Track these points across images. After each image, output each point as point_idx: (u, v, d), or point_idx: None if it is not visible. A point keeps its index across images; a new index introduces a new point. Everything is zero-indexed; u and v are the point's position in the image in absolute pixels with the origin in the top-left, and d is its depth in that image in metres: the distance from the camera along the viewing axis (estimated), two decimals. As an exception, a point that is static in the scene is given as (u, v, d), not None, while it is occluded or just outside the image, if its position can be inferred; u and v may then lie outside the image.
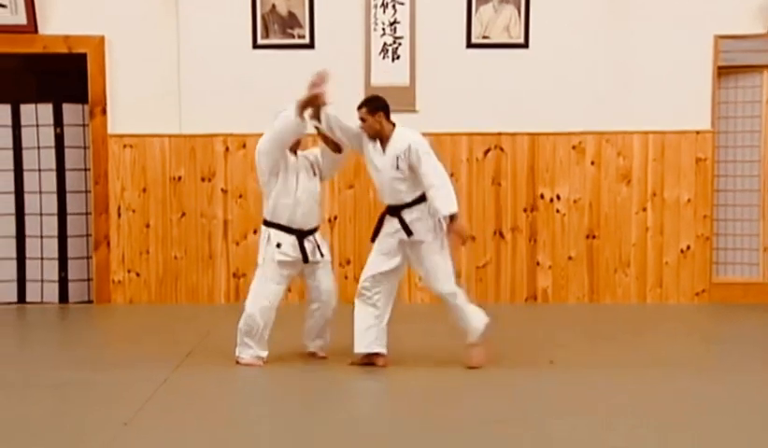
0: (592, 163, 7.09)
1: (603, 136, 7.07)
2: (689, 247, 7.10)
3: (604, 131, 7.05)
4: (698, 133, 7.04)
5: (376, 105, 5.07)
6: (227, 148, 7.08)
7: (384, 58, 6.97)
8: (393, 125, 5.07)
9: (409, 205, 4.96)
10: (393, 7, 6.95)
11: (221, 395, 4.66)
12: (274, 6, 6.96)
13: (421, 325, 6.03)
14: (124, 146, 7.04)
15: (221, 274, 7.10)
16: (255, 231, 7.02)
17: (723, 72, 7.08)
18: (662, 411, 4.36)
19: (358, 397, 4.71)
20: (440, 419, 4.21)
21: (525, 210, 7.11)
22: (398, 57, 6.98)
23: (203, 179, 7.06)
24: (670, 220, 7.09)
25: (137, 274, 7.11)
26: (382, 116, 5.06)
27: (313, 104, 5.06)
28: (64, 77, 7.23)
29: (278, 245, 5.03)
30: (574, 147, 7.08)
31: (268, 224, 5.11)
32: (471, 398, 4.56)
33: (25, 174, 7.23)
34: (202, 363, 5.13)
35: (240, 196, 7.07)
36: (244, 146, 7.05)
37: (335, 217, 7.09)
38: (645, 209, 7.10)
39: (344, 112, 6.92)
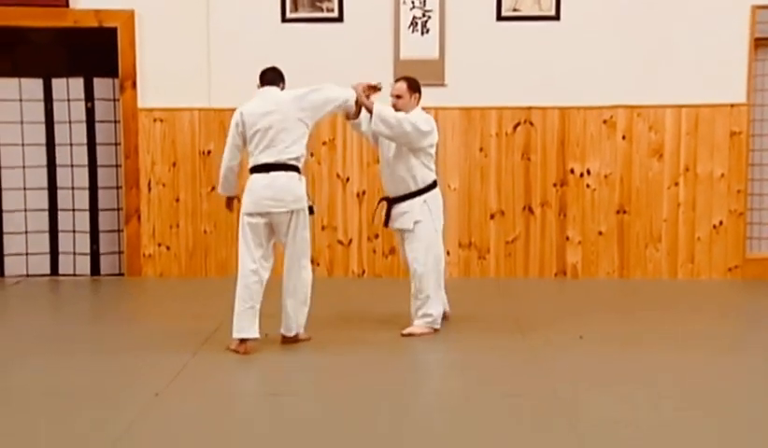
0: (623, 138, 7.00)
1: (634, 110, 6.97)
2: (721, 223, 7.01)
3: (635, 105, 6.95)
4: (732, 106, 6.92)
5: (416, 87, 5.17)
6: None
7: (413, 31, 6.92)
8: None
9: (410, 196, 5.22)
10: (423, -21, 6.89)
11: (251, 367, 4.69)
12: (303, -21, 6.93)
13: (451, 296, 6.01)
14: (154, 119, 7.07)
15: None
16: (284, 206, 7.04)
17: (760, 44, 6.94)
18: (692, 385, 4.33)
19: (402, 368, 4.72)
20: (466, 392, 4.21)
21: (555, 185, 7.05)
22: (427, 30, 6.93)
23: (232, 153, 7.07)
24: (703, 195, 7.00)
25: (168, 248, 7.17)
26: (417, 98, 5.11)
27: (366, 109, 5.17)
28: (94, 51, 7.26)
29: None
30: (605, 122, 7.00)
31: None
32: (497, 371, 4.55)
33: (57, 148, 7.30)
34: (231, 336, 5.16)
35: (269, 170, 7.07)
36: (273, 120, 7.03)
37: (364, 192, 7.08)
38: (677, 184, 7.01)
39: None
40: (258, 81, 5.08)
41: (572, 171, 7.04)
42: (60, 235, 7.37)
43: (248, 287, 4.78)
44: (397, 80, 5.27)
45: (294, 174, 4.83)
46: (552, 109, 6.99)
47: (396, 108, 5.11)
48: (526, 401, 4.07)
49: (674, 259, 7.05)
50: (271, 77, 5.04)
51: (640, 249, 7.05)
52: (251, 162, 4.89)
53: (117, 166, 7.29)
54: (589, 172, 7.03)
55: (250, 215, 4.81)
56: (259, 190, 4.80)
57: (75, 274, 7.35)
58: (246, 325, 4.78)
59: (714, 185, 6.99)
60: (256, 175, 4.84)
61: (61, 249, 7.38)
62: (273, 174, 4.79)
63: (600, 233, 7.05)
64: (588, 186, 7.04)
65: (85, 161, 7.29)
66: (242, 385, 4.47)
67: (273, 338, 5.03)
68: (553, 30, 6.92)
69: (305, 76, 6.96)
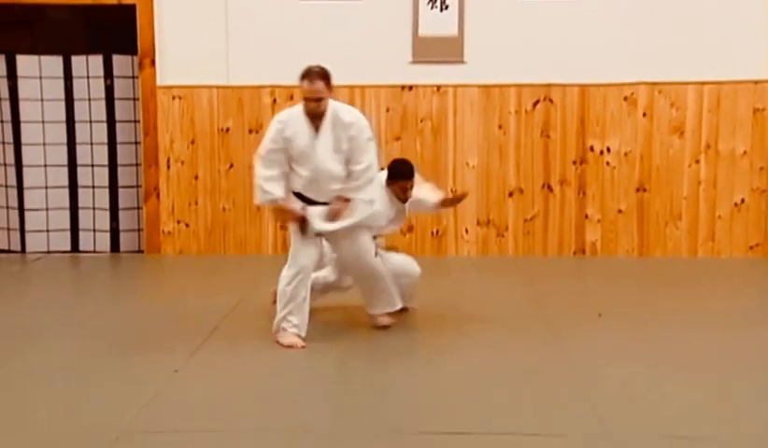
0: (644, 115, 6.94)
1: (655, 87, 6.90)
2: (743, 200, 6.94)
3: (656, 81, 6.88)
4: (756, 82, 6.83)
5: (330, 78, 4.65)
6: (274, 100, 7.07)
7: (432, 8, 6.86)
8: None
9: None
10: (442, -45, 6.83)
11: (269, 344, 4.71)
12: (321, -45, 6.89)
13: (467, 275, 6.02)
14: (173, 97, 7.08)
15: (269, 226, 7.15)
16: (302, 183, 7.05)
17: (783, 20, 6.84)
18: (713, 362, 4.31)
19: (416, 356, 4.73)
20: (485, 369, 4.21)
21: (574, 162, 7.01)
22: (446, 7, 6.87)
23: (250, 131, 7.08)
24: (724, 173, 6.93)
25: (186, 225, 7.20)
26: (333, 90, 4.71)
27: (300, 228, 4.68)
28: (113, 28, 7.27)
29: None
30: (625, 99, 6.93)
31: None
32: (516, 348, 4.55)
33: (77, 125, 7.33)
34: (251, 313, 5.19)
35: (287, 148, 7.08)
36: (291, 97, 7.03)
37: (382, 169, 7.05)
38: (698, 161, 6.95)
39: (390, 61, 6.91)
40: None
41: (591, 148, 6.99)
42: (80, 212, 7.42)
43: None
44: (307, 76, 4.54)
45: None
46: (572, 86, 6.93)
47: (318, 110, 4.56)
48: (544, 378, 4.08)
49: (694, 237, 7.00)
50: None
51: (660, 227, 7.01)
52: None
53: (136, 143, 7.32)
54: (609, 149, 6.98)
55: None
56: None
57: (95, 251, 7.40)
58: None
59: (736, 162, 6.92)
60: None
61: (81, 226, 7.43)
62: None
63: (619, 211, 7.01)
64: (607, 163, 6.99)
65: (104, 138, 7.32)
66: (262, 362, 4.49)
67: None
68: (573, 6, 6.85)
69: (323, 53, 6.94)
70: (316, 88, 4.52)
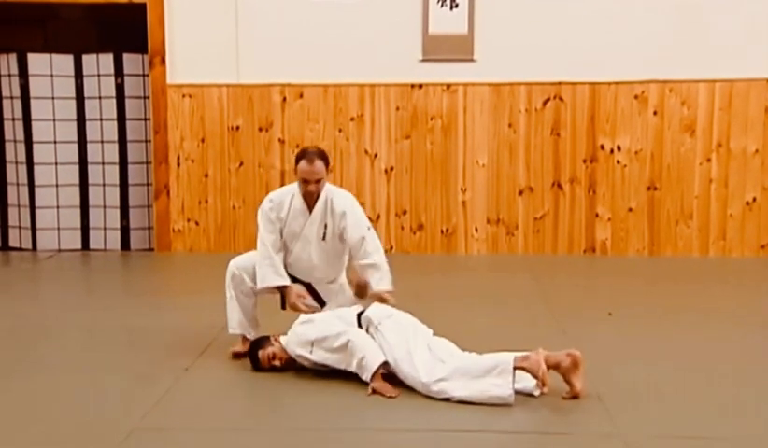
0: (655, 113, 6.91)
1: (666, 85, 6.87)
2: (755, 199, 6.91)
3: (667, 79, 6.85)
4: None
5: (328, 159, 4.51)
6: (284, 98, 7.08)
7: (442, 6, 6.85)
8: None
9: None
10: (452, -48, 6.82)
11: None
12: (331, -47, 6.89)
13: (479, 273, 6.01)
14: (183, 95, 7.09)
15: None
16: (312, 181, 7.05)
17: (796, 17, 6.80)
18: (723, 361, 4.29)
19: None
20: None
21: (585, 161, 6.98)
22: (456, 5, 6.86)
23: (260, 129, 7.09)
24: (735, 172, 6.90)
25: (197, 223, 7.21)
26: None
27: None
28: (124, 26, 7.29)
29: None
30: (636, 97, 6.91)
31: None
32: (526, 347, 4.53)
33: (87, 123, 7.35)
34: (260, 311, 5.18)
35: (297, 146, 7.08)
36: (301, 96, 7.05)
37: (392, 168, 7.07)
38: (709, 160, 6.91)
39: (400, 60, 6.91)
40: None
41: (602, 147, 6.97)
42: (90, 210, 7.44)
43: None
44: (304, 156, 4.33)
45: None
46: (582, 85, 6.91)
47: (315, 193, 4.35)
48: (555, 378, 4.06)
49: (705, 236, 6.97)
50: None
51: (671, 226, 6.98)
52: None
53: (146, 142, 7.34)
54: (619, 148, 6.95)
55: None
56: None
57: (105, 249, 7.42)
58: None
59: (747, 161, 6.89)
60: None
61: (91, 224, 7.45)
62: None
63: (630, 210, 6.99)
64: (618, 162, 6.97)
65: (115, 136, 7.34)
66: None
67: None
68: (583, 4, 6.83)
69: (333, 51, 6.98)
70: (315, 169, 4.29)
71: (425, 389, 3.78)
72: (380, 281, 4.28)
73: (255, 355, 4.17)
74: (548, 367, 3.71)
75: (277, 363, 4.13)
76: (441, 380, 3.75)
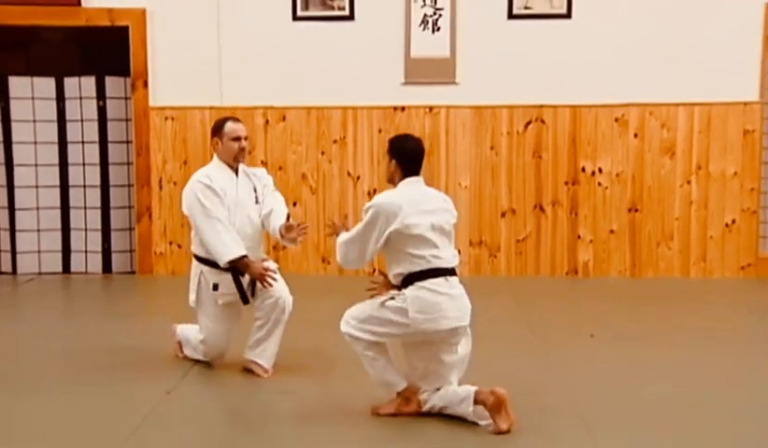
0: (635, 136, 6.97)
1: (646, 108, 6.94)
2: (734, 221, 6.97)
3: (647, 102, 6.92)
4: (746, 104, 6.88)
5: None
6: (267, 121, 7.09)
7: (424, 29, 6.90)
8: None
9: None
10: (434, -23, 6.88)
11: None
12: (314, -23, 6.94)
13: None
14: (165, 118, 7.09)
15: (261, 247, 7.12)
16: (295, 204, 7.07)
17: (773, 42, 6.90)
18: (705, 383, 4.31)
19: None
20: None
21: (566, 183, 7.03)
22: (438, 28, 6.92)
23: (243, 152, 7.08)
24: (715, 193, 6.97)
25: (179, 246, 7.18)
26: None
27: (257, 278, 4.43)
28: (106, 49, 7.29)
29: (216, 287, 4.48)
30: (616, 120, 6.97)
31: (200, 260, 4.52)
32: (508, 369, 4.54)
33: (69, 146, 7.32)
34: (242, 333, 5.16)
35: (280, 168, 7.09)
36: (284, 118, 7.06)
37: (374, 190, 7.07)
38: (689, 182, 6.98)
39: (383, 82, 6.95)
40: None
41: (583, 169, 7.01)
42: (72, 233, 7.39)
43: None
44: (226, 120, 4.57)
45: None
46: (564, 107, 6.97)
47: (245, 151, 4.53)
48: (537, 400, 4.06)
49: (686, 257, 7.02)
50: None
51: (652, 248, 7.02)
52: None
53: (128, 164, 7.32)
54: (600, 170, 7.00)
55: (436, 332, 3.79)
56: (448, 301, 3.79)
57: (86, 272, 7.37)
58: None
59: (726, 183, 6.96)
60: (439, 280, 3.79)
61: (73, 247, 7.40)
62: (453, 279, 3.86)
63: (611, 232, 7.03)
64: (599, 184, 7.02)
65: (97, 159, 7.32)
66: (252, 383, 4.46)
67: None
68: (565, 28, 6.90)
69: (316, 74, 7.01)
70: (242, 126, 4.53)
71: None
72: (281, 217, 4.46)
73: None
74: (476, 402, 3.70)
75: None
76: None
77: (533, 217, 7.06)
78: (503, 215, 7.06)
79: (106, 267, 7.38)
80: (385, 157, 3.98)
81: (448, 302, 3.74)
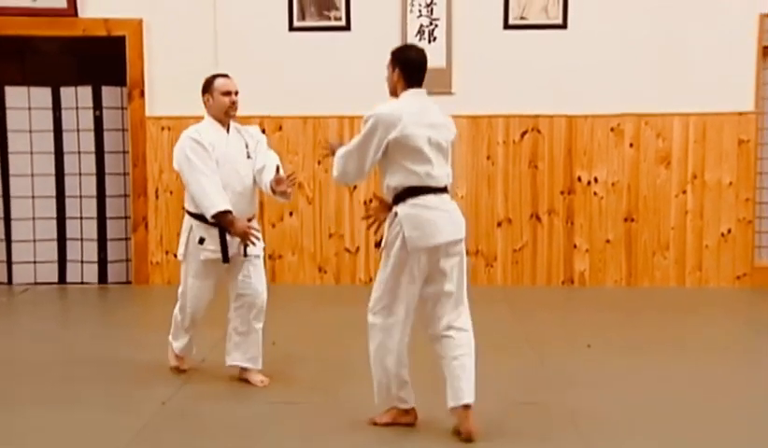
0: (631, 145, 6.99)
1: (642, 118, 6.96)
2: (730, 231, 6.99)
3: (643, 113, 6.94)
4: (741, 114, 6.91)
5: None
6: (263, 130, 7.05)
7: (420, 39, 6.92)
8: None
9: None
10: (430, -13, 6.90)
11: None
12: (310, -13, 6.95)
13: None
14: (162, 128, 7.09)
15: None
16: (291, 214, 7.07)
17: (768, 52, 6.94)
18: (701, 393, 4.31)
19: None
20: (475, 400, 4.20)
21: (562, 193, 7.04)
22: (434, 38, 6.94)
23: (239, 161, 7.08)
24: (711, 203, 6.98)
25: (175, 256, 7.14)
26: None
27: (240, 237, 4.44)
28: (103, 59, 7.29)
29: (202, 241, 4.50)
30: (612, 130, 6.99)
31: (192, 215, 4.55)
32: (505, 379, 4.54)
33: (65, 156, 7.32)
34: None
35: (276, 178, 7.09)
36: (280, 128, 7.07)
37: (371, 200, 7.06)
38: (684, 192, 6.99)
39: (379, 92, 6.93)
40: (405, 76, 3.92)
41: (579, 179, 7.03)
42: (68, 243, 7.39)
43: (400, 356, 3.85)
44: (216, 76, 4.64)
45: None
46: (559, 117, 6.99)
47: (235, 108, 4.61)
48: (534, 409, 4.06)
49: (681, 267, 7.03)
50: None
51: (648, 257, 7.03)
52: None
53: (125, 174, 7.31)
54: (596, 180, 7.02)
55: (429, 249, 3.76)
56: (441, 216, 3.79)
57: (82, 283, 7.36)
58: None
59: (722, 193, 6.97)
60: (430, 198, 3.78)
61: (69, 257, 7.39)
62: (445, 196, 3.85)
63: (607, 241, 7.04)
64: (595, 194, 7.03)
65: (93, 169, 7.31)
66: (247, 394, 4.45)
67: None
68: (560, 38, 6.92)
69: (312, 84, 7.02)
70: (234, 81, 4.58)
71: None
72: (272, 171, 4.51)
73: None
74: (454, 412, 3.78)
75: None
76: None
77: (530, 227, 7.07)
78: (499, 224, 7.07)
79: (102, 277, 7.37)
80: (388, 67, 3.96)
81: (440, 218, 3.75)
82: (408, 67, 3.87)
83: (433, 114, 3.87)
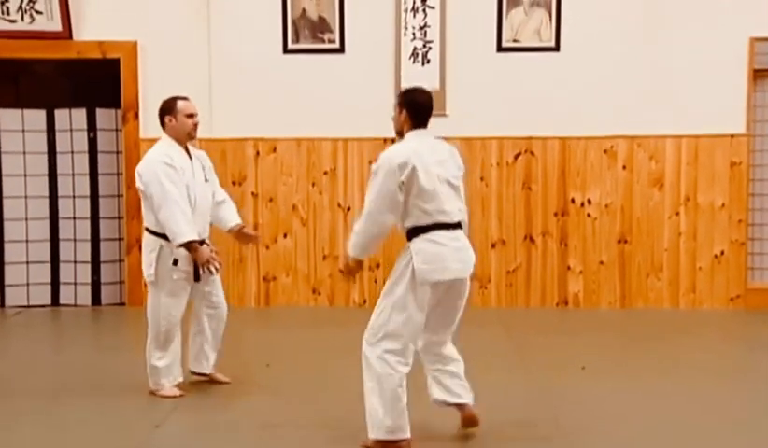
0: (624, 167, 7.02)
1: (635, 140, 7.00)
2: (723, 252, 7.00)
3: (636, 134, 6.98)
4: (732, 136, 6.95)
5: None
6: (257, 152, 7.11)
7: (414, 62, 6.96)
8: None
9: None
10: (424, 11, 6.94)
11: (253, 397, 4.67)
12: (304, 10, 6.99)
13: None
14: (156, 150, 7.08)
15: (252, 278, 7.13)
16: (285, 235, 7.07)
17: (759, 75, 6.97)
18: (695, 415, 4.31)
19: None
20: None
21: (556, 214, 7.06)
22: (428, 61, 6.97)
23: (233, 183, 7.08)
24: (704, 225, 7.00)
25: (169, 278, 7.14)
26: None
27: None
28: (97, 82, 7.31)
29: (176, 262, 4.59)
30: (605, 151, 7.02)
31: (158, 235, 4.61)
32: (499, 401, 4.53)
33: (59, 178, 7.32)
34: (233, 366, 5.14)
35: (270, 200, 7.10)
36: (274, 150, 7.09)
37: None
38: (677, 214, 7.02)
39: (373, 114, 6.98)
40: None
41: (572, 200, 7.05)
42: (61, 265, 7.36)
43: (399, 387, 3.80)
44: (177, 99, 4.76)
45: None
46: (553, 139, 7.02)
47: (196, 130, 4.80)
48: (528, 431, 4.05)
49: (675, 288, 7.04)
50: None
51: (641, 279, 7.04)
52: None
53: (119, 196, 7.31)
54: (589, 201, 7.04)
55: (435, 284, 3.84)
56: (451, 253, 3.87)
57: (76, 305, 7.33)
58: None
59: (715, 215, 7.00)
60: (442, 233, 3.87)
61: (62, 279, 7.37)
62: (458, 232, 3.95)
63: (601, 263, 7.05)
64: (588, 215, 7.05)
65: (87, 191, 7.31)
66: (241, 416, 4.44)
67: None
68: (553, 61, 6.97)
69: (307, 106, 7.04)
70: (193, 103, 4.72)
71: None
72: (235, 215, 4.92)
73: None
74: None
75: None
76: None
77: (524, 249, 7.08)
78: (493, 246, 7.08)
79: (96, 299, 7.35)
80: (395, 108, 4.02)
81: (450, 254, 3.83)
82: (415, 109, 3.96)
83: (440, 152, 3.96)
